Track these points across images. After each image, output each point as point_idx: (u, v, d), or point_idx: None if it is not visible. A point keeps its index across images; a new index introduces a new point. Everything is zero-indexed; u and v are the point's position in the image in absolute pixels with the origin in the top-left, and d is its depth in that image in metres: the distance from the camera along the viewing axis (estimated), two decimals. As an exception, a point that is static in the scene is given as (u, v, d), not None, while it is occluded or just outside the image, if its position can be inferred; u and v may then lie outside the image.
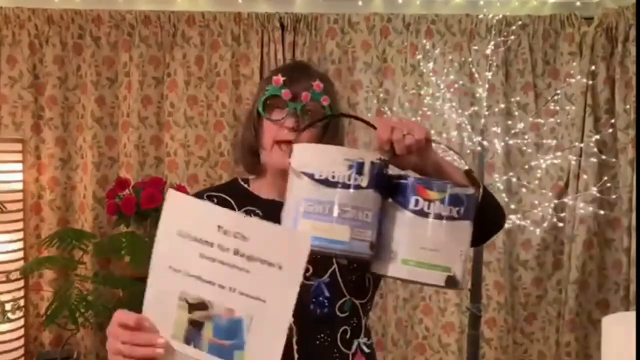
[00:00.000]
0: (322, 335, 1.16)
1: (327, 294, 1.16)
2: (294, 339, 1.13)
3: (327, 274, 1.17)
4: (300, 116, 1.20)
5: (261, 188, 1.29)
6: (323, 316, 1.16)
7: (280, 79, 1.20)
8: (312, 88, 1.20)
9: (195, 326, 0.93)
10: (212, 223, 0.90)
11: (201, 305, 0.92)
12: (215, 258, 0.91)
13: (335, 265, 1.18)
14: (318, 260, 1.17)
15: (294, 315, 1.07)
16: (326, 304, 1.16)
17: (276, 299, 0.91)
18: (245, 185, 1.32)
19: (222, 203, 1.27)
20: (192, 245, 0.91)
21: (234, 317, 0.91)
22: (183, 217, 0.91)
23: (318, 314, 1.15)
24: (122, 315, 0.96)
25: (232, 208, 1.26)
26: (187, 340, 0.93)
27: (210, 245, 0.91)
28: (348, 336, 1.19)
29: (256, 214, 1.24)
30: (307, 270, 1.15)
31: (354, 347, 1.20)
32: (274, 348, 0.92)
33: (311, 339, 1.15)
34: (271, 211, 1.22)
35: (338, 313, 1.17)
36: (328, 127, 1.25)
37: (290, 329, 1.11)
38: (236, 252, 0.90)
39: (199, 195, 1.29)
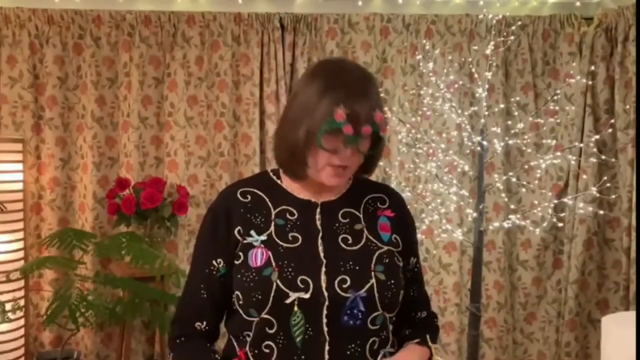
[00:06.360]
0: (352, 345, 1.18)
1: (362, 307, 1.17)
2: (326, 349, 1.16)
3: (365, 288, 1.18)
4: (357, 146, 1.19)
5: (294, 185, 1.30)
6: (355, 328, 1.18)
7: (342, 113, 1.14)
8: (372, 119, 1.17)
9: None
10: None
11: None
12: None
13: (373, 280, 1.20)
14: (358, 274, 1.19)
15: (327, 325, 1.16)
16: (360, 317, 1.17)
17: None
18: (278, 181, 1.32)
19: (257, 199, 1.27)
20: None
21: None
22: None
23: (351, 326, 1.17)
24: None
25: (267, 206, 1.26)
26: None
27: None
28: (376, 347, 1.22)
29: (291, 213, 1.26)
30: (344, 281, 1.17)
31: (379, 357, 1.23)
32: None
33: (343, 349, 1.17)
34: (306, 211, 1.26)
35: (369, 326, 1.19)
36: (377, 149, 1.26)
37: (324, 338, 1.16)
38: None
39: (233, 190, 1.30)
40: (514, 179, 2.93)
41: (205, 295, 1.25)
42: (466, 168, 2.96)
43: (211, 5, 3.22)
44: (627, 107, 3.08)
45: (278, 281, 1.15)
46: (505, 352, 3.35)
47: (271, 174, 1.34)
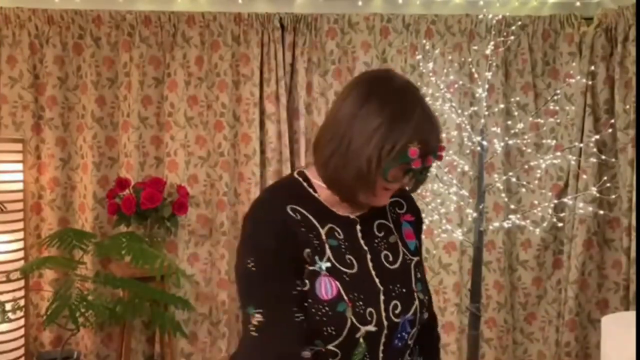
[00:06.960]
0: None
1: (408, 329, 1.21)
2: None
3: (411, 312, 1.21)
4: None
5: (331, 197, 1.21)
6: (402, 348, 1.22)
7: (417, 150, 1.12)
8: (436, 151, 1.17)
9: None
10: None
11: None
12: None
13: (417, 302, 1.23)
14: (405, 298, 1.22)
15: (383, 352, 1.19)
16: (405, 337, 1.22)
17: None
18: (315, 194, 1.22)
19: (304, 217, 1.18)
20: None
21: None
22: None
23: (399, 347, 1.21)
24: None
25: (314, 225, 1.18)
26: None
27: None
28: (409, 357, 1.27)
29: (338, 233, 1.20)
30: (396, 307, 1.19)
31: None
32: None
33: None
34: (348, 229, 1.22)
35: (409, 342, 1.24)
36: None
37: None
38: None
39: (281, 203, 1.18)
40: (514, 179, 2.93)
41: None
42: (466, 168, 2.96)
43: (211, 5, 3.22)
44: (627, 107, 3.08)
45: (352, 317, 1.13)
46: (505, 352, 3.35)
47: (304, 183, 1.23)
